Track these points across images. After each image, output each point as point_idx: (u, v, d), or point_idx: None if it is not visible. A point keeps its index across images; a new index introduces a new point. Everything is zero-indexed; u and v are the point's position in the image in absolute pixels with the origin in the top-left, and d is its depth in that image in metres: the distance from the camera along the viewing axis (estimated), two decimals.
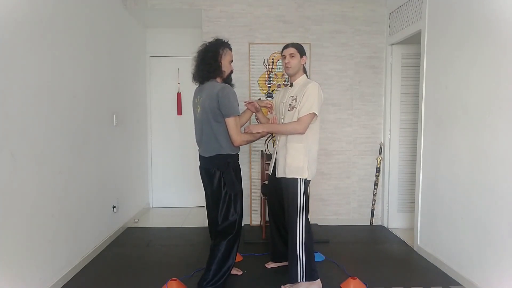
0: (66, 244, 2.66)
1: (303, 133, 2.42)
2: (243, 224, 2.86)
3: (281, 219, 2.71)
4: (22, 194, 2.16)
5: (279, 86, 3.93)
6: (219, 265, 2.37)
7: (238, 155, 2.54)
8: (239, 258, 2.97)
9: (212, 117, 2.35)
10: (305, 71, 2.61)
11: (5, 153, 2.01)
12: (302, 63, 2.54)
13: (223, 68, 2.44)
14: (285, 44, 2.59)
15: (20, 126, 2.14)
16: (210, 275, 2.35)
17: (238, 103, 2.38)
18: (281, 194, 2.57)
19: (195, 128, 2.56)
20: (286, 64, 2.52)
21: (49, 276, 2.43)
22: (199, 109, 2.45)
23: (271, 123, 2.57)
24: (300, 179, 2.44)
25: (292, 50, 2.50)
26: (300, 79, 2.55)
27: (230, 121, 2.34)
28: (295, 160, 2.45)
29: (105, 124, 3.35)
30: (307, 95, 2.41)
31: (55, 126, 2.51)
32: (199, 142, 2.51)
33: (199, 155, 2.53)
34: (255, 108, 2.63)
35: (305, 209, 2.45)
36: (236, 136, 2.37)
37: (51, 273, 2.46)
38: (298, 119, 2.42)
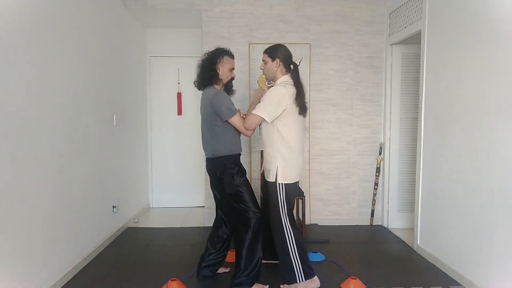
0: (66, 244, 2.66)
1: (246, 133, 2.46)
2: None
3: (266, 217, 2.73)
4: (22, 194, 2.16)
5: None
6: (249, 253, 2.43)
7: (240, 154, 2.58)
8: None
9: (208, 121, 2.48)
10: (290, 71, 2.50)
11: (5, 153, 2.01)
12: (277, 66, 2.46)
13: (221, 76, 2.51)
14: None
15: (20, 126, 2.14)
16: (243, 265, 2.41)
17: (232, 102, 2.45)
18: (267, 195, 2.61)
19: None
20: (262, 70, 2.58)
21: (49, 276, 2.43)
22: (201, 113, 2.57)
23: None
24: (279, 183, 2.41)
25: (264, 56, 2.51)
26: (278, 81, 2.49)
27: (233, 121, 2.43)
28: (267, 164, 2.49)
29: (105, 124, 3.35)
30: (264, 96, 2.40)
31: (55, 126, 2.51)
32: (203, 144, 2.61)
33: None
34: None
35: (287, 210, 2.44)
36: (245, 131, 2.47)
37: (51, 273, 2.46)
38: (247, 115, 2.43)
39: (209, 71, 2.48)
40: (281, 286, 2.51)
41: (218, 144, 2.47)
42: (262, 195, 3.44)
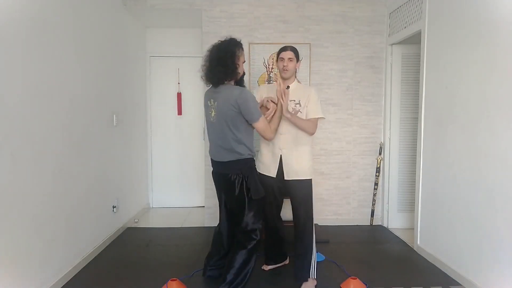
0: (66, 244, 2.66)
1: (312, 134, 2.51)
2: None
3: (274, 220, 2.72)
4: (22, 194, 2.16)
5: None
6: (238, 273, 2.28)
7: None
8: None
9: (230, 123, 2.24)
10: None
11: (5, 153, 2.01)
12: (296, 68, 2.56)
13: (239, 70, 2.32)
14: (283, 45, 2.58)
15: (20, 126, 2.15)
16: (230, 276, 2.26)
17: (257, 102, 2.30)
18: (281, 196, 2.62)
19: (208, 132, 2.43)
20: (284, 67, 2.48)
21: (49, 276, 2.43)
22: (213, 113, 2.30)
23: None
24: (311, 179, 2.54)
25: (291, 54, 2.50)
26: (294, 83, 2.59)
27: (259, 125, 2.25)
28: (305, 162, 2.53)
29: (105, 124, 3.35)
30: (313, 100, 2.50)
31: (55, 126, 2.51)
32: (215, 147, 2.37)
33: (213, 160, 2.43)
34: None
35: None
36: (270, 134, 2.32)
37: (51, 273, 2.46)
38: (311, 121, 2.47)
39: (231, 64, 2.25)
40: None
41: (244, 146, 2.28)
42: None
